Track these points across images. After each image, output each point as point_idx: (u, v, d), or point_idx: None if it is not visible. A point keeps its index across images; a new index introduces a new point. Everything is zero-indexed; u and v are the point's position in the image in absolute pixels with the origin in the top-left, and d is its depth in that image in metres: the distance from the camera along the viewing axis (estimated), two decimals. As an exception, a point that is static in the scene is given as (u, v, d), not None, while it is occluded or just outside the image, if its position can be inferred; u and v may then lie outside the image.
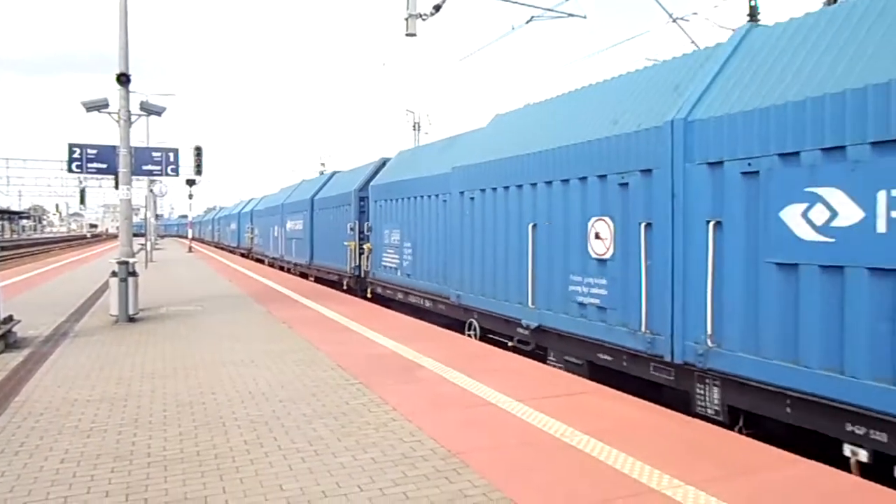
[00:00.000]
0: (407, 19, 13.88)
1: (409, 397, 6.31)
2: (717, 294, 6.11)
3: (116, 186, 12.87)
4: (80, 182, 51.79)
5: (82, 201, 55.01)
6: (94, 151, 13.34)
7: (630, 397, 6.35)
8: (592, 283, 7.88)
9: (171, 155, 14.60)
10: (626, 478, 4.28)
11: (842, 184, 5.03)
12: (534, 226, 9.03)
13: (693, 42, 16.00)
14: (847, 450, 5.05)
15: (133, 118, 12.38)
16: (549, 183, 8.72)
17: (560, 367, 8.37)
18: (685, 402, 6.58)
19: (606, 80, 8.83)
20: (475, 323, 10.94)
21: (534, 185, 9.06)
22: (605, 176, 7.67)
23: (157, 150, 14.81)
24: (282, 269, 27.11)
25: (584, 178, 8.04)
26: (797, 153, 5.39)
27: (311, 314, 12.27)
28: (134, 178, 12.69)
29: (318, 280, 21.23)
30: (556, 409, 5.83)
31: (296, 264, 25.08)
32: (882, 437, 4.71)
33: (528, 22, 15.26)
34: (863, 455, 4.92)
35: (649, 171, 6.94)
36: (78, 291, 16.31)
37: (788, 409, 5.50)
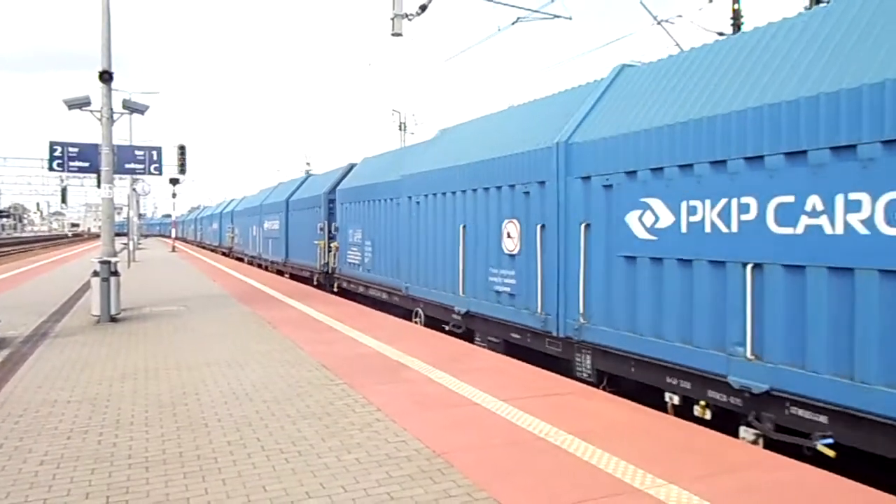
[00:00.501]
0: (393, 19, 13.87)
1: (393, 397, 6.30)
2: (587, 281, 7.88)
3: (99, 185, 12.73)
4: (62, 181, 51.30)
5: (64, 200, 54.46)
6: (76, 150, 13.17)
7: (613, 397, 6.39)
8: (505, 274, 9.59)
9: (154, 153, 14.43)
10: (610, 477, 4.31)
11: (662, 196, 6.78)
12: (464, 227, 10.71)
13: (677, 44, 16.15)
14: (666, 396, 6.76)
15: (116, 116, 12.26)
16: (475, 190, 10.44)
17: (484, 346, 9.95)
18: (570, 369, 8.21)
19: (527, 103, 10.66)
20: (420, 311, 12.50)
21: (464, 191, 10.77)
22: (514, 185, 9.37)
23: (140, 148, 14.63)
24: (260, 266, 27.99)
25: (499, 187, 9.75)
26: (635, 171, 7.14)
27: (295, 314, 12.22)
28: (116, 176, 12.56)
29: (292, 276, 22.37)
30: (540, 409, 5.85)
31: (272, 262, 26.27)
32: (687, 385, 6.55)
33: (513, 23, 15.30)
34: (676, 399, 6.65)
35: (543, 182, 8.68)
36: (59, 291, 16.12)
37: (632, 369, 7.26)
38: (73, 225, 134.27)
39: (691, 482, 4.18)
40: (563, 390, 6.60)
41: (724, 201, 6.06)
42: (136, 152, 14.30)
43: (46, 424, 5.55)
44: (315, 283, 19.54)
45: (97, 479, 4.35)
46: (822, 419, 5.27)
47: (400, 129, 42.67)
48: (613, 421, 5.55)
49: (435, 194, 11.79)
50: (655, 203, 6.84)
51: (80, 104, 12.35)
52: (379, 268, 14.85)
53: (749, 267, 5.81)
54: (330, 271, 18.67)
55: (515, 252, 9.26)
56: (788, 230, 5.49)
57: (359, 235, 16.19)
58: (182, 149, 24.24)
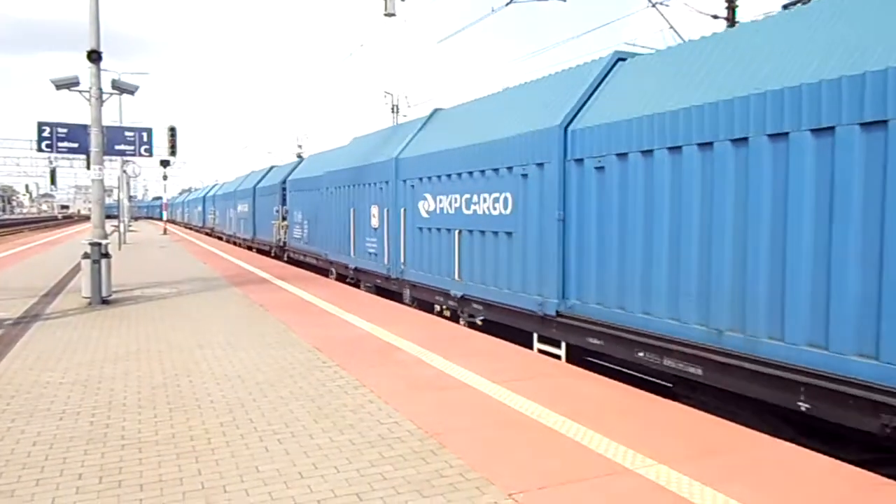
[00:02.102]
0: (385, -1, 13.72)
1: (386, 379, 6.33)
2: (405, 243, 12.35)
3: (88, 167, 12.61)
4: (51, 162, 50.75)
5: (53, 182, 53.85)
6: (65, 130, 13.04)
7: (605, 379, 6.43)
8: (371, 241, 14.06)
9: (145, 135, 14.31)
10: (601, 457, 4.35)
11: (430, 192, 11.31)
12: (353, 209, 15.13)
13: (672, 27, 16.07)
14: (435, 307, 11.35)
15: (105, 97, 12.12)
16: (358, 185, 14.87)
17: (368, 289, 14.14)
18: (402, 298, 12.49)
19: (373, 133, 16.62)
20: (333, 270, 17.14)
21: (350, 186, 15.39)
22: (376, 183, 13.83)
23: (129, 129, 14.50)
24: (234, 243, 32.98)
25: (372, 183, 14.07)
26: (421, 178, 11.70)
27: (287, 297, 12.21)
28: (107, 158, 12.44)
29: (259, 251, 26.84)
30: (532, 390, 5.89)
31: (244, 239, 31.49)
32: (441, 298, 11.06)
33: (507, 4, 15.17)
34: (438, 308, 11.32)
35: (387, 182, 13.21)
36: (49, 274, 16.03)
37: (423, 294, 11.72)
38: (63, 207, 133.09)
39: (680, 463, 4.22)
40: (555, 372, 6.64)
41: (450, 196, 10.62)
42: (126, 133, 14.17)
43: (38, 406, 5.55)
44: (272, 254, 24.37)
45: (90, 460, 4.35)
46: (481, 308, 9.85)
47: (392, 112, 42.40)
48: (603, 402, 5.60)
49: (338, 187, 16.41)
50: (428, 197, 11.38)
51: (68, 84, 12.19)
52: (312, 241, 19.48)
53: (456, 232, 10.40)
54: (282, 245, 23.23)
55: (377, 226, 13.72)
56: (470, 212, 9.99)
57: (300, 217, 20.99)
58: (172, 130, 24.00)
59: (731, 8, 16.23)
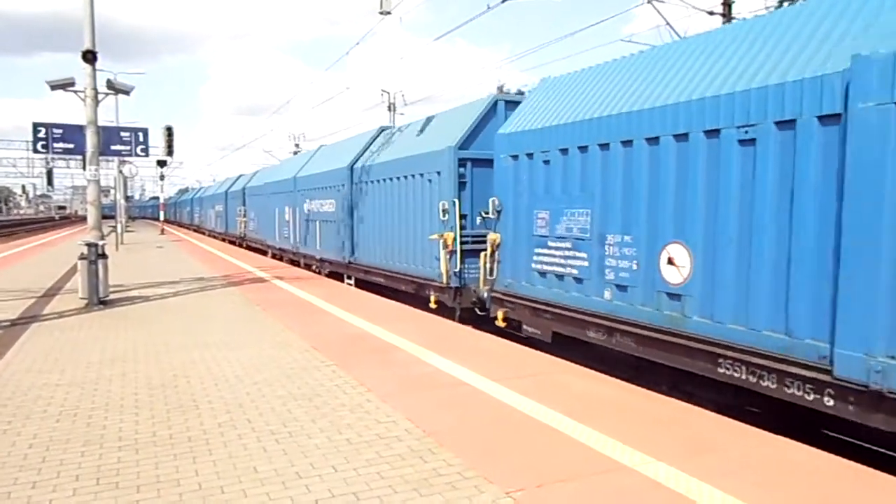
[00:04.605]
0: (381, -3, 13.70)
1: (383, 379, 6.32)
2: (300, 229, 19.55)
3: (84, 167, 12.59)
4: (48, 163, 50.58)
5: (50, 182, 53.77)
6: (60, 131, 13.02)
7: (603, 376, 6.43)
8: (285, 230, 20.73)
9: (141, 135, 14.30)
10: (599, 455, 4.35)
11: (309, 198, 19.03)
12: (277, 209, 21.81)
13: (668, 24, 16.06)
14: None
15: (100, 97, 12.09)
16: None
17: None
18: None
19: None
20: (269, 250, 24.10)
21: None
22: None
23: (125, 129, 14.48)
24: (213, 236, 40.05)
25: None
26: (304, 189, 19.42)
27: (285, 296, 12.19)
28: (104, 159, 12.41)
29: (230, 242, 33.13)
30: (529, 388, 5.89)
31: (220, 232, 39.17)
32: (316, 263, 18.30)
33: (503, 1, 15.15)
34: (315, 268, 18.32)
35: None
36: (47, 274, 15.99)
37: (310, 261, 18.75)
38: (60, 208, 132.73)
39: (678, 459, 4.22)
40: (553, 370, 6.64)
41: (314, 201, 17.93)
42: (122, 133, 14.15)
43: (35, 407, 5.53)
44: (237, 244, 31.30)
45: (87, 462, 4.34)
46: (325, 263, 17.19)
47: (389, 111, 42.37)
48: (601, 399, 5.60)
49: (270, 194, 23.81)
50: (308, 201, 18.08)
51: (63, 85, 12.16)
52: (258, 231, 26.99)
53: (317, 222, 17.28)
54: (244, 236, 30.60)
55: (288, 220, 19.51)
56: (323, 209, 17.36)
57: (253, 215, 28.87)
58: (169, 130, 23.96)
59: (727, 4, 16.23)
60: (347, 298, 11.83)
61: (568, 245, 7.95)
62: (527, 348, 7.68)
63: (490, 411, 5.31)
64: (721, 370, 5.93)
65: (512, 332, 9.19)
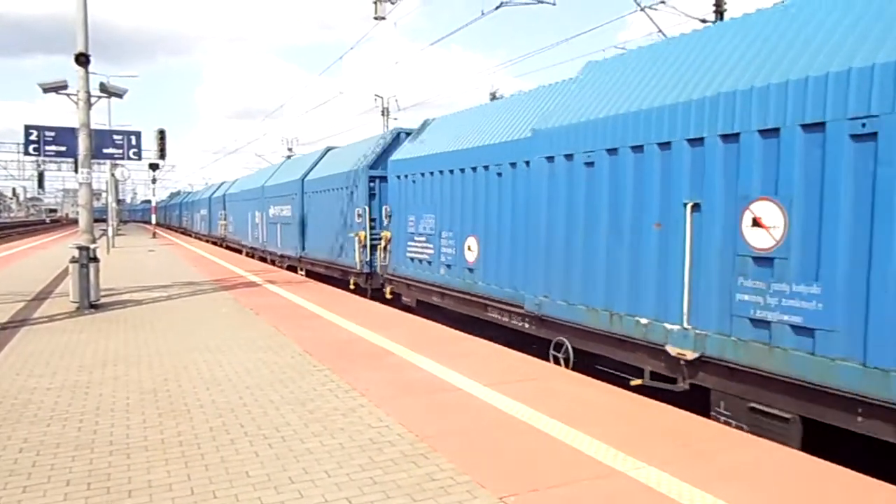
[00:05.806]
0: (376, 2, 13.74)
1: (376, 383, 6.31)
2: (266, 231, 23.35)
3: (76, 170, 12.54)
4: (39, 166, 50.37)
5: (41, 185, 53.49)
6: (52, 134, 12.96)
7: (596, 381, 6.45)
8: (255, 231, 26.40)
9: (133, 138, 14.25)
10: (591, 460, 4.36)
11: (281, 204, 21.98)
12: (249, 214, 26.14)
13: (660, 31, 16.15)
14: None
15: (93, 100, 12.05)
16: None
17: (257, 259, 22.60)
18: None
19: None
20: (245, 250, 27.35)
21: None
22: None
23: (118, 132, 14.43)
24: (198, 238, 42.88)
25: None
26: (269, 197, 23.50)
27: (277, 301, 12.16)
28: (94, 161, 12.36)
29: (214, 244, 36.01)
30: (522, 393, 5.89)
31: (205, 235, 41.90)
32: (273, 257, 22.63)
33: (497, 7, 15.22)
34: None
35: (257, 198, 25.01)
36: (37, 278, 15.89)
37: (271, 256, 23.11)
38: (51, 210, 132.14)
39: (671, 465, 4.24)
40: (545, 375, 6.65)
41: (276, 207, 21.62)
42: (115, 137, 14.10)
43: (25, 412, 5.49)
44: (218, 244, 34.78)
45: (78, 466, 4.32)
46: (283, 256, 21.31)
47: (383, 115, 42.37)
48: (594, 404, 5.61)
49: (241, 200, 28.43)
50: (272, 207, 22.14)
51: (55, 88, 12.12)
52: (235, 233, 30.74)
53: (279, 224, 21.25)
54: (224, 237, 33.95)
55: (258, 223, 23.84)
56: (280, 214, 21.23)
57: (231, 219, 32.46)
58: (161, 133, 23.92)
59: (720, 12, 16.34)
60: (339, 303, 11.81)
61: (424, 239, 11.52)
62: (521, 354, 7.69)
63: (483, 416, 5.31)
64: (488, 314, 9.68)
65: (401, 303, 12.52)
